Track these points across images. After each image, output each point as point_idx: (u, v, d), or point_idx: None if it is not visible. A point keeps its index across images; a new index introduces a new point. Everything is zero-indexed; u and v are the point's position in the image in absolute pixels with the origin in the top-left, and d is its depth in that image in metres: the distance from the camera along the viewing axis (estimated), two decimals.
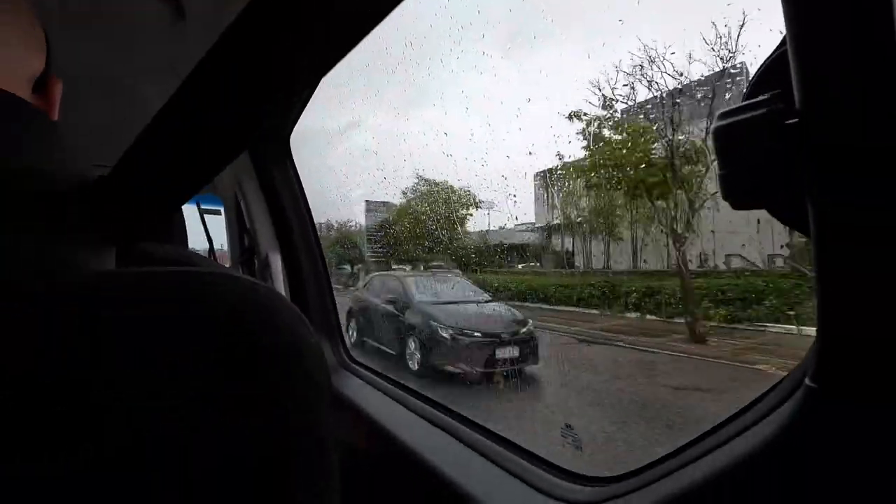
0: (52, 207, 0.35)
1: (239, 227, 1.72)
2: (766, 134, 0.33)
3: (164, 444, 0.25)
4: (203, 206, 1.79)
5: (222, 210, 1.90)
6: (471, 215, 6.22)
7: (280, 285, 1.54)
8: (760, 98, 0.34)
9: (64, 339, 0.26)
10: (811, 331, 0.36)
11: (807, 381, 0.35)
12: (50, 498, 0.24)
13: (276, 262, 1.54)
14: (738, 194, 0.35)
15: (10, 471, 0.23)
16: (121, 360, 0.26)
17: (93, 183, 0.41)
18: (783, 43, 0.39)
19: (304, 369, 0.31)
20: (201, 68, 0.41)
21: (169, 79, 1.20)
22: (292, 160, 1.55)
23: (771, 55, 0.41)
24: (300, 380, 0.31)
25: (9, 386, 0.24)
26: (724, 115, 0.36)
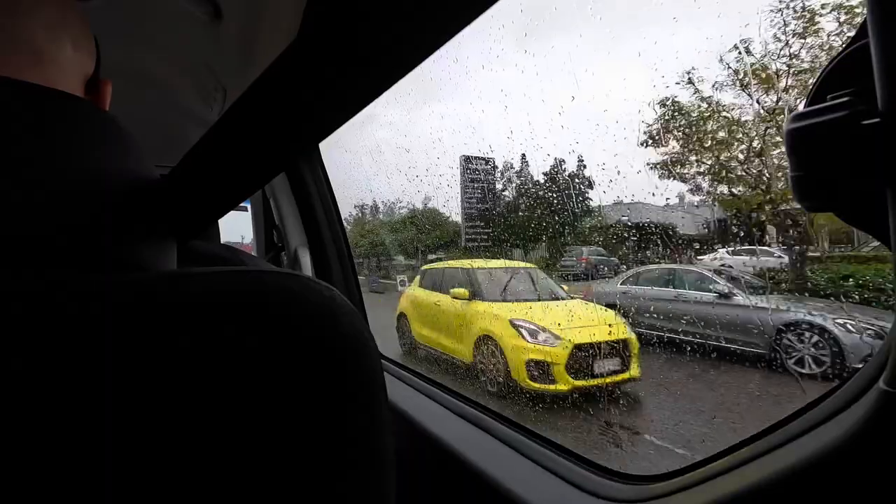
0: (120, 206, 0.36)
1: (266, 223, 1.74)
2: (846, 137, 0.33)
3: (206, 443, 0.26)
4: None
5: (249, 206, 1.93)
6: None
7: None
8: (839, 100, 0.34)
9: (123, 337, 0.26)
10: None
11: (881, 384, 0.35)
12: (51, 498, 0.24)
13: (306, 259, 1.56)
14: (813, 198, 0.35)
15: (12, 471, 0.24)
16: (177, 358, 0.27)
17: (159, 182, 0.43)
18: (857, 38, 0.38)
19: (366, 365, 0.32)
20: (252, 90, 0.42)
21: (205, 77, 1.22)
22: (320, 155, 1.57)
23: (843, 50, 0.40)
24: (363, 376, 0.32)
25: (60, 379, 0.25)
26: (798, 117, 0.35)
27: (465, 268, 4.30)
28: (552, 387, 2.87)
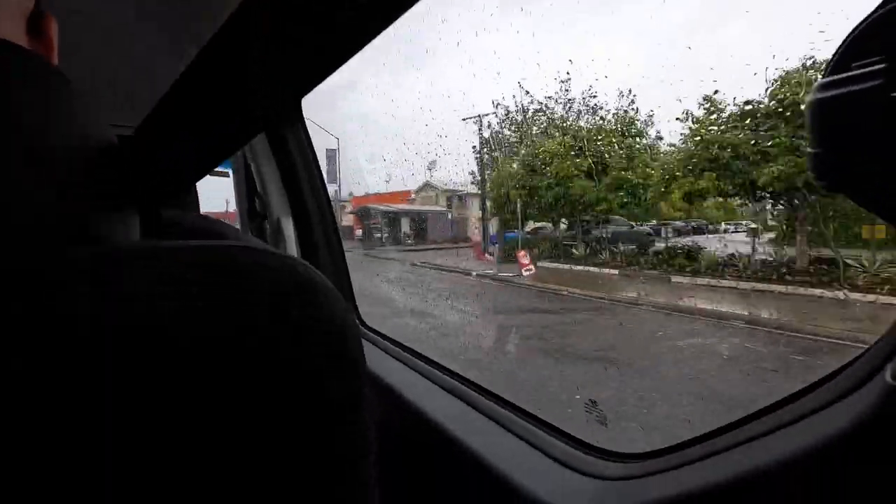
0: (75, 170, 0.33)
1: (248, 191, 1.68)
2: (876, 109, 0.30)
3: (190, 436, 0.25)
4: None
5: (231, 172, 1.86)
6: None
7: (292, 250, 1.52)
8: (871, 68, 0.31)
9: (86, 319, 0.25)
10: None
11: (888, 378, 0.33)
12: (52, 498, 0.23)
13: (289, 227, 1.52)
14: (833, 176, 0.32)
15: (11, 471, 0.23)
16: (150, 344, 0.25)
17: (115, 145, 0.39)
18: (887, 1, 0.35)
19: (346, 350, 0.31)
20: (221, 35, 0.38)
21: (174, 27, 1.13)
22: (304, 121, 1.50)
23: (871, 14, 0.37)
24: (342, 361, 0.30)
25: (18, 376, 0.23)
26: (824, 87, 0.32)
27: None
28: None
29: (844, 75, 0.32)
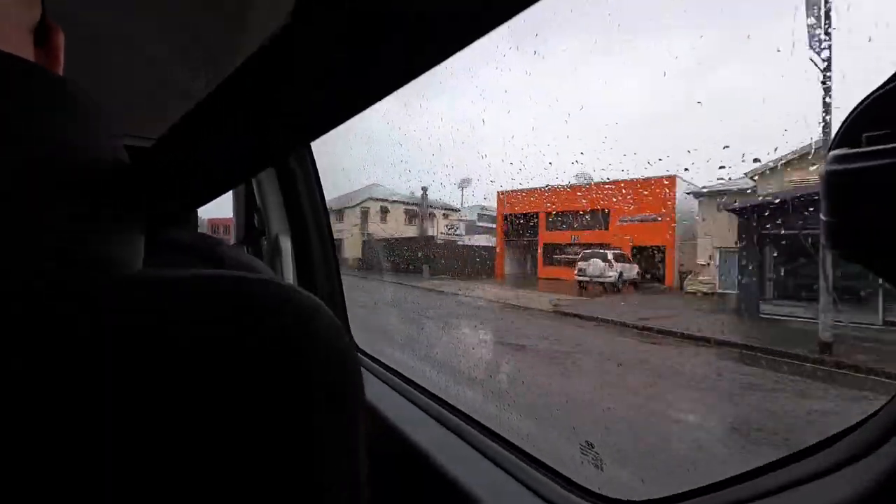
0: (79, 187, 0.32)
1: (247, 205, 1.68)
2: (892, 184, 0.31)
3: (185, 461, 0.25)
4: None
5: None
6: None
7: (289, 268, 1.51)
8: (885, 145, 0.32)
9: (95, 351, 0.25)
10: None
11: None
12: (52, 497, 0.23)
13: (286, 245, 1.51)
14: (849, 245, 0.33)
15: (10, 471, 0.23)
16: (152, 373, 0.25)
17: (124, 162, 0.38)
18: None
19: (345, 382, 0.31)
20: (249, 65, 0.38)
21: (189, 43, 1.14)
22: (311, 152, 1.51)
23: (882, 87, 0.38)
24: (341, 393, 0.30)
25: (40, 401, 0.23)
26: (840, 159, 0.33)
27: None
28: None
29: (858, 150, 0.33)
